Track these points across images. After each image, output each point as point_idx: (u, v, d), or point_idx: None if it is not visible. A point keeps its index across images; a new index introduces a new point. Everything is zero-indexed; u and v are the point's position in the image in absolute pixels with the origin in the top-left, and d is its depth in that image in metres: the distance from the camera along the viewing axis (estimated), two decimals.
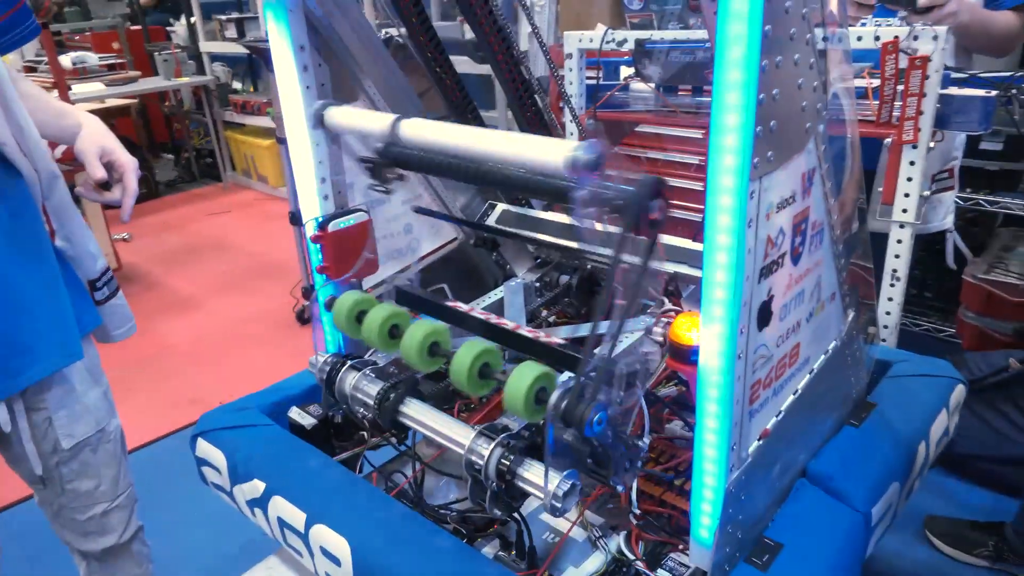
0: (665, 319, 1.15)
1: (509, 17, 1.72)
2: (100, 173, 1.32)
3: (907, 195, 1.59)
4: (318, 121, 1.25)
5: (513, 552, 1.12)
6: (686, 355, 0.96)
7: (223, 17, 5.33)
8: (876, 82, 1.61)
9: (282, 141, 3.99)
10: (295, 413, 1.33)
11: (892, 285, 1.64)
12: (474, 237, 1.58)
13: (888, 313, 1.66)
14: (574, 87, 2.13)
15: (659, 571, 1.03)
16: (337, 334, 1.35)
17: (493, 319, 1.16)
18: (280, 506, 1.15)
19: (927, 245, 2.44)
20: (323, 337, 1.40)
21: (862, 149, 1.15)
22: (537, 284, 1.45)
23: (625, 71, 2.22)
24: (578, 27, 2.27)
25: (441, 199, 1.53)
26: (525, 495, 0.95)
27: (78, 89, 4.85)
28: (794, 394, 1.01)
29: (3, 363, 1.26)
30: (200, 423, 1.35)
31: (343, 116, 1.21)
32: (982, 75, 1.89)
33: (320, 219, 1.29)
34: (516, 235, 1.46)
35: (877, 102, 1.61)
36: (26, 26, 1.31)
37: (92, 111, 5.29)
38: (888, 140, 1.61)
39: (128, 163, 1.35)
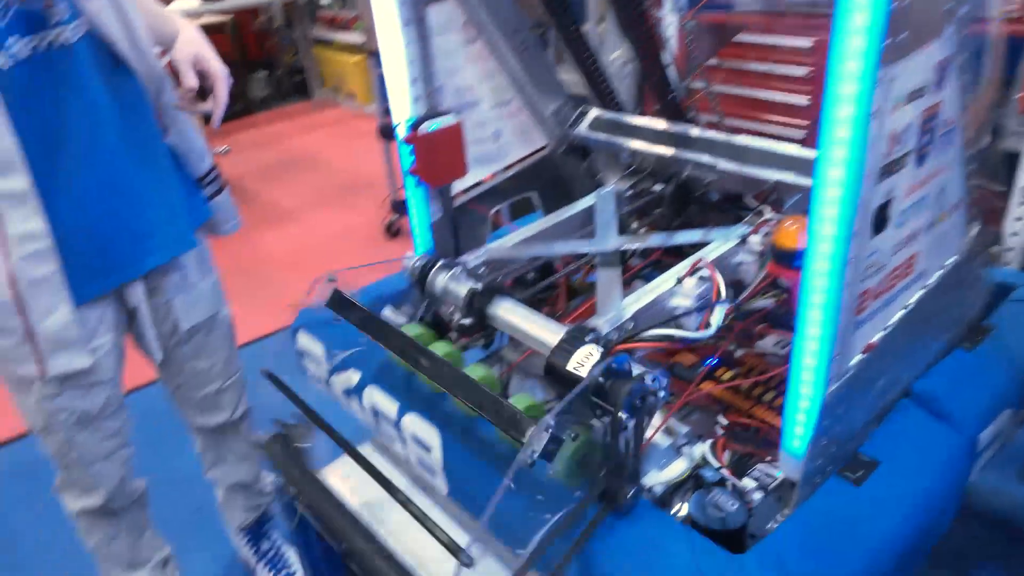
0: (764, 228, 1.10)
1: None
2: (193, 82, 1.37)
3: None
4: (411, 19, 1.23)
5: None
6: (790, 260, 0.92)
7: None
8: None
9: (372, 54, 3.99)
10: (388, 311, 1.37)
11: (1022, 204, 1.51)
12: (565, 144, 1.54)
13: (1015, 234, 1.54)
14: None
15: (745, 479, 1.02)
16: (427, 234, 1.37)
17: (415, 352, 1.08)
18: (374, 396, 1.20)
19: None
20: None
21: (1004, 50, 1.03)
22: (629, 193, 1.41)
23: None
24: None
25: (533, 104, 1.50)
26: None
27: (175, 6, 4.97)
28: (905, 308, 0.95)
29: (126, 250, 1.38)
30: (300, 317, 1.41)
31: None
32: None
33: (412, 120, 1.29)
34: (608, 142, 1.42)
35: None
36: None
37: None
38: None
39: (220, 72, 1.40)
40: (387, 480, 1.03)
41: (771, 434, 1.08)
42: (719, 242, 1.12)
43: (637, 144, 1.36)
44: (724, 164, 1.24)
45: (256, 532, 1.98)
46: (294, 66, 6.35)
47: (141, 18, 1.29)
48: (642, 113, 1.47)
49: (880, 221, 0.80)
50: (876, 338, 0.91)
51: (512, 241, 1.30)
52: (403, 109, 1.33)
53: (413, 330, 1.19)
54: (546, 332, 0.99)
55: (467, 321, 1.12)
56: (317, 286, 1.21)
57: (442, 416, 1.10)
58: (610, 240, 1.20)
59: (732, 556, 0.82)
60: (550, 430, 0.80)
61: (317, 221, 4.21)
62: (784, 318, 1.16)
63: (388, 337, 1.09)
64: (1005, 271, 1.38)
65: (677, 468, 1.11)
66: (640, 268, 1.37)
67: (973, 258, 1.06)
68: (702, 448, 1.12)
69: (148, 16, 1.38)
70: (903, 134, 0.77)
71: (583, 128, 1.49)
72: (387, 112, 3.53)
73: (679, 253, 1.21)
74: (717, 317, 0.96)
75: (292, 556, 1.95)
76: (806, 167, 1.14)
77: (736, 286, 1.13)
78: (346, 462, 1.39)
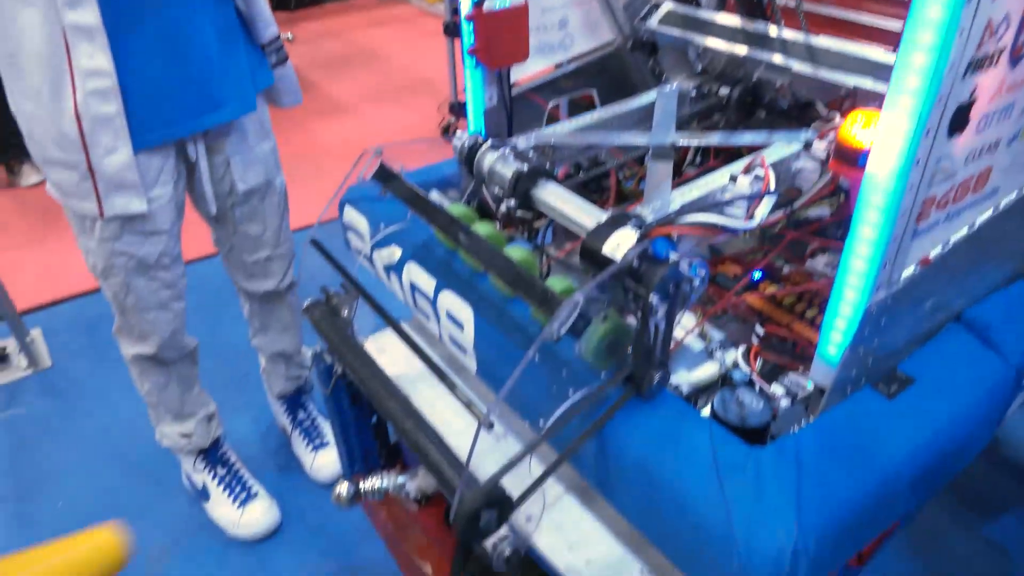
0: (831, 135, 1.05)
1: None
2: None
3: None
4: None
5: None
6: (855, 158, 0.87)
7: None
8: None
9: None
10: (435, 194, 1.37)
11: None
12: (632, 39, 1.48)
13: None
14: None
15: (773, 386, 1.01)
16: (480, 119, 1.35)
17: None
18: (413, 272, 1.21)
19: None
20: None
21: None
22: (693, 93, 1.35)
23: None
24: None
25: None
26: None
27: None
28: (969, 227, 0.90)
29: (189, 104, 1.42)
30: (348, 192, 1.43)
31: None
32: None
33: None
34: (679, 37, 1.35)
35: None
36: None
37: None
38: None
39: None
40: (421, 349, 1.05)
41: (807, 350, 1.06)
42: (781, 144, 1.07)
43: (709, 41, 1.29)
44: (799, 66, 1.17)
45: (294, 401, 2.08)
46: None
47: None
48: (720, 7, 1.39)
49: (958, 123, 0.75)
50: (933, 253, 0.87)
51: (565, 128, 1.26)
52: None
53: (457, 209, 1.19)
54: (588, 216, 0.98)
55: (511, 202, 1.11)
56: (365, 159, 1.22)
57: (477, 296, 1.12)
58: (666, 134, 1.16)
59: (750, 448, 0.82)
60: (579, 306, 0.79)
61: (374, 116, 4.20)
62: (838, 235, 1.12)
63: (430, 212, 1.10)
64: None
65: (707, 371, 1.11)
66: (696, 175, 1.33)
67: None
68: (734, 354, 1.10)
69: None
70: (1000, 26, 0.71)
71: (653, 22, 1.42)
72: (455, 11, 3.43)
73: (738, 159, 1.17)
74: (763, 209, 0.92)
75: (326, 428, 2.05)
76: (888, 74, 1.07)
77: (794, 196, 1.09)
78: (383, 336, 1.44)
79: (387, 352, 1.39)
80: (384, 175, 1.18)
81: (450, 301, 1.14)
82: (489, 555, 0.88)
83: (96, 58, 1.26)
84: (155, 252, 1.50)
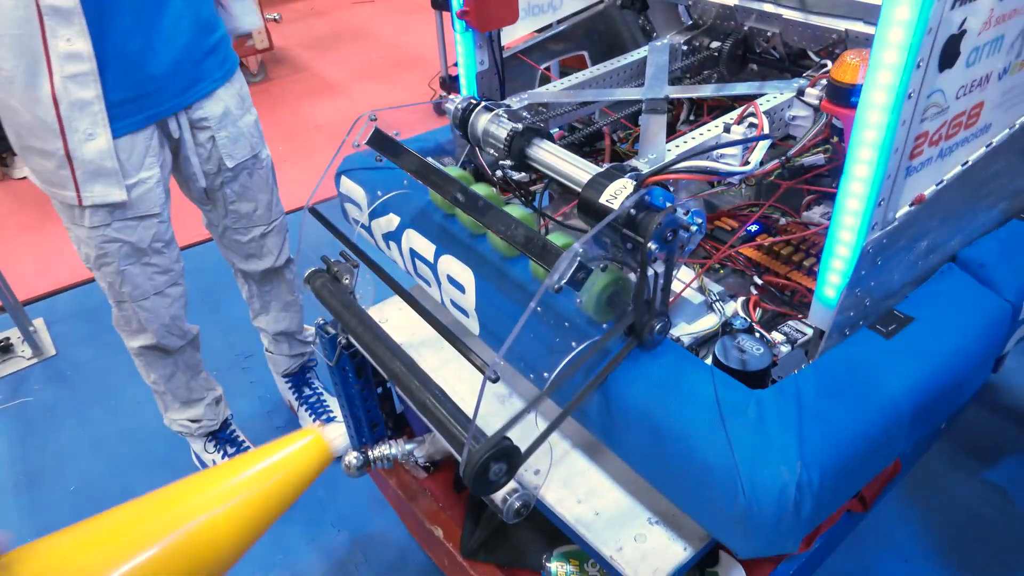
0: (823, 80, 1.05)
1: None
2: None
3: None
4: None
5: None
6: (847, 96, 0.87)
7: None
8: None
9: None
10: (430, 161, 1.37)
11: None
12: None
13: None
14: None
15: (773, 333, 1.02)
16: (473, 83, 1.34)
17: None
18: (412, 238, 1.22)
19: None
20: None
21: None
22: (684, 48, 1.35)
23: None
24: None
25: None
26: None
27: None
28: (963, 165, 0.91)
29: (171, 84, 1.40)
30: (344, 163, 1.43)
31: None
32: None
33: None
34: None
35: None
36: None
37: None
38: None
39: None
40: (426, 310, 1.06)
41: (806, 298, 1.07)
42: (774, 93, 1.07)
43: None
44: (789, 14, 1.17)
45: (299, 379, 2.09)
46: None
47: None
48: None
49: (949, 55, 0.75)
50: (928, 191, 0.87)
51: (557, 87, 1.26)
52: None
53: (453, 172, 1.19)
54: (583, 172, 0.98)
55: (507, 163, 1.11)
56: (360, 124, 1.22)
57: (477, 258, 1.12)
58: (659, 89, 1.16)
59: (750, 390, 0.83)
60: (578, 257, 0.80)
61: (365, 94, 4.17)
62: (833, 184, 1.12)
63: (427, 173, 1.10)
64: None
65: (708, 322, 1.12)
66: (690, 131, 1.33)
67: None
68: (734, 305, 1.12)
69: None
70: None
71: None
72: None
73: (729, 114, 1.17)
74: (758, 154, 0.93)
75: (333, 403, 2.06)
76: (878, 16, 1.07)
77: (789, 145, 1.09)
78: (386, 307, 1.45)
79: (390, 321, 1.40)
80: (379, 140, 1.18)
81: (450, 265, 1.15)
82: (500, 508, 0.90)
83: (75, 42, 1.23)
84: (147, 237, 1.49)
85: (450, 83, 3.69)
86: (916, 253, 0.93)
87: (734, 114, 1.03)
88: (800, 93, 1.04)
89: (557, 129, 1.43)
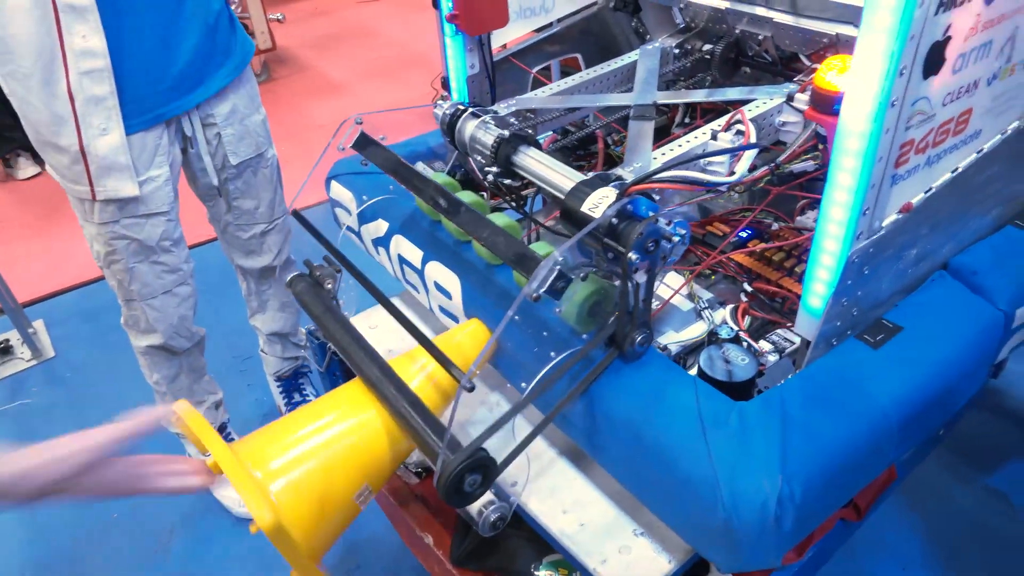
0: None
1: None
2: None
3: None
4: None
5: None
6: (830, 103, 0.86)
7: None
8: None
9: None
10: (420, 167, 1.36)
11: None
12: (614, 0, 1.45)
13: None
14: None
15: (761, 342, 1.01)
16: (463, 87, 1.33)
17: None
18: (400, 244, 1.21)
19: None
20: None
21: None
22: (676, 51, 1.33)
23: None
24: None
25: None
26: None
27: None
28: (952, 172, 0.89)
29: (185, 83, 1.43)
30: (334, 167, 1.42)
31: None
32: None
33: None
34: None
35: None
36: None
37: None
38: None
39: None
40: (404, 317, 1.05)
41: (796, 305, 1.06)
42: (764, 98, 1.06)
43: None
44: (781, 17, 1.15)
45: (291, 383, 2.09)
46: None
47: None
48: None
49: (934, 61, 0.73)
50: (916, 199, 0.86)
51: (546, 92, 1.25)
52: None
53: (440, 179, 1.18)
54: (568, 180, 0.97)
55: (494, 169, 1.10)
56: (345, 128, 1.21)
57: (464, 265, 1.11)
58: (648, 95, 1.14)
59: (734, 402, 0.82)
60: (557, 265, 0.79)
61: (367, 94, 4.17)
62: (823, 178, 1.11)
63: (409, 177, 1.09)
64: None
65: (695, 330, 1.11)
66: (683, 134, 1.32)
67: None
68: (723, 313, 1.10)
69: None
70: None
71: None
72: None
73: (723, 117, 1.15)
74: (743, 164, 0.91)
75: None
76: None
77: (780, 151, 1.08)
78: (375, 312, 1.44)
79: (380, 327, 1.39)
80: (363, 143, 1.18)
81: (437, 271, 1.14)
82: (476, 521, 0.89)
83: (89, 39, 1.26)
84: (155, 234, 1.50)
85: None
86: (905, 261, 0.92)
87: (722, 120, 1.01)
88: (790, 98, 1.02)
89: (550, 132, 1.42)
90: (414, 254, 1.19)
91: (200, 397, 1.84)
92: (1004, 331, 0.95)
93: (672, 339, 1.07)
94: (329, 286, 1.14)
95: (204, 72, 1.47)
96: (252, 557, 1.79)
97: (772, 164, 1.02)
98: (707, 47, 1.31)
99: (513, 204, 1.30)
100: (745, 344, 1.00)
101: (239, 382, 2.26)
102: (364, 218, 1.32)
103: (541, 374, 0.87)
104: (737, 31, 1.25)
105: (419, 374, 0.99)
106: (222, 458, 0.86)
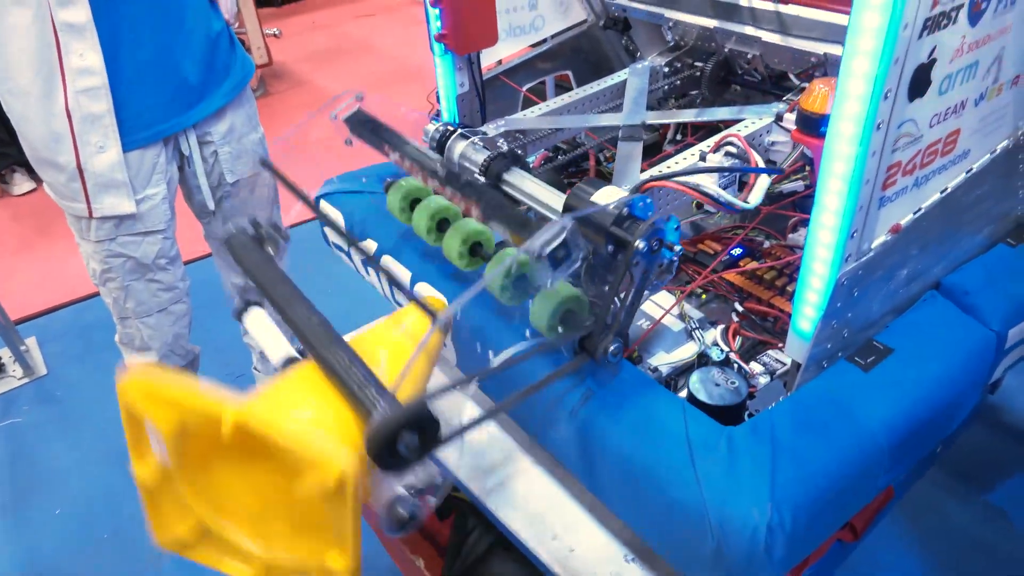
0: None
1: None
2: None
3: None
4: None
5: None
6: (816, 125, 0.85)
7: None
8: None
9: None
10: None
11: None
12: (604, 18, 1.45)
13: None
14: None
15: (752, 364, 1.00)
16: (453, 106, 1.33)
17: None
18: (390, 265, 1.20)
19: None
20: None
21: None
22: (666, 69, 1.33)
23: None
24: None
25: None
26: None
27: None
28: (941, 192, 0.88)
29: (181, 101, 1.43)
30: (324, 186, 1.42)
31: None
32: None
33: None
34: (650, 12, 1.32)
35: None
36: None
37: None
38: None
39: None
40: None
41: (787, 325, 1.05)
42: (752, 118, 1.05)
43: (678, 15, 1.27)
44: (769, 36, 1.15)
45: None
46: None
47: None
48: None
49: (919, 84, 0.73)
50: (904, 220, 0.85)
51: (535, 113, 1.25)
52: None
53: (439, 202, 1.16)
54: (558, 199, 0.96)
55: None
56: (342, 100, 1.17)
57: (454, 286, 1.11)
58: (637, 115, 1.14)
59: (723, 427, 0.81)
60: (565, 230, 0.74)
61: (365, 107, 4.17)
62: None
63: (405, 150, 1.07)
64: None
65: (686, 351, 1.10)
66: (673, 152, 1.31)
67: None
68: (713, 333, 1.09)
69: None
70: None
71: None
72: None
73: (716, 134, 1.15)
74: (759, 190, 0.89)
75: None
76: None
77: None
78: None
79: None
80: (360, 121, 1.16)
81: (426, 292, 1.13)
82: (383, 516, 0.73)
83: (87, 56, 1.26)
84: (151, 253, 1.50)
85: None
86: (896, 282, 0.91)
87: (711, 141, 1.01)
88: (778, 118, 1.02)
89: (542, 150, 1.41)
90: (403, 274, 1.18)
91: None
92: (997, 352, 0.94)
93: (662, 360, 1.06)
94: (270, 251, 1.03)
95: (203, 91, 1.47)
96: None
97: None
98: (697, 65, 1.31)
99: None
100: (736, 366, 0.99)
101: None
102: (353, 236, 1.32)
103: (499, 358, 0.84)
104: (726, 50, 1.25)
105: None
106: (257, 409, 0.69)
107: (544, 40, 1.48)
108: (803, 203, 1.16)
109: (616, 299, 0.80)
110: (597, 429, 0.87)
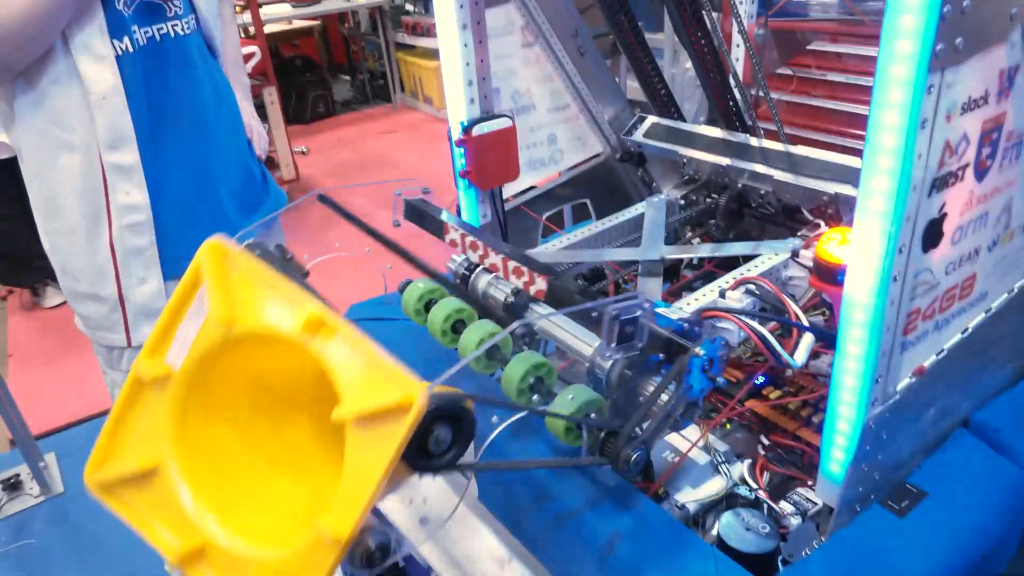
0: (817, 242, 1.06)
1: None
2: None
3: None
4: (468, 22, 1.24)
5: None
6: (833, 275, 0.88)
7: None
8: None
9: None
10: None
11: None
12: (620, 151, 1.53)
13: None
14: None
15: (782, 503, 0.98)
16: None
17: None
18: None
19: None
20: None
21: None
22: (682, 202, 1.38)
23: None
24: None
25: (589, 110, 1.49)
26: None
27: (267, 10, 5.19)
28: (963, 333, 0.89)
29: (215, 230, 1.49)
30: (349, 312, 1.45)
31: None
32: None
33: (465, 123, 1.31)
34: (664, 149, 1.39)
35: None
36: None
37: (279, 32, 5.55)
38: None
39: (257, 128, 1.63)
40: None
41: (815, 458, 1.03)
42: (769, 254, 1.08)
43: (692, 152, 1.33)
44: (780, 175, 1.20)
45: None
46: (377, 71, 6.52)
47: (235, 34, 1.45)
48: (709, 123, 1.44)
49: (932, 237, 0.75)
50: (928, 362, 0.86)
51: (557, 246, 1.29)
52: (459, 111, 1.35)
53: (455, 304, 1.17)
54: (581, 341, 0.98)
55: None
56: (403, 195, 1.20)
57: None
58: (655, 249, 1.17)
59: None
60: (620, 317, 0.78)
61: (385, 220, 4.30)
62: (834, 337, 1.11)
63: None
64: None
65: (713, 487, 1.08)
66: (691, 280, 1.34)
67: None
68: (741, 468, 1.08)
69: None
70: (959, 145, 0.73)
71: (639, 135, 1.47)
72: None
73: (731, 266, 1.18)
74: (804, 348, 0.91)
75: None
76: None
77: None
78: None
79: None
80: (413, 211, 1.19)
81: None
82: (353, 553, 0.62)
83: (133, 194, 1.32)
84: None
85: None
86: (924, 422, 0.90)
87: (729, 278, 1.03)
88: (795, 255, 1.04)
89: None
90: None
91: None
92: None
93: (689, 496, 1.04)
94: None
95: (240, 224, 1.53)
96: None
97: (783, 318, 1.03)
98: (712, 197, 1.36)
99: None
100: (765, 507, 0.97)
101: None
102: None
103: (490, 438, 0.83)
104: (739, 185, 1.30)
105: None
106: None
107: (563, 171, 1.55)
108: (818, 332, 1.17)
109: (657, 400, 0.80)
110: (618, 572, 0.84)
